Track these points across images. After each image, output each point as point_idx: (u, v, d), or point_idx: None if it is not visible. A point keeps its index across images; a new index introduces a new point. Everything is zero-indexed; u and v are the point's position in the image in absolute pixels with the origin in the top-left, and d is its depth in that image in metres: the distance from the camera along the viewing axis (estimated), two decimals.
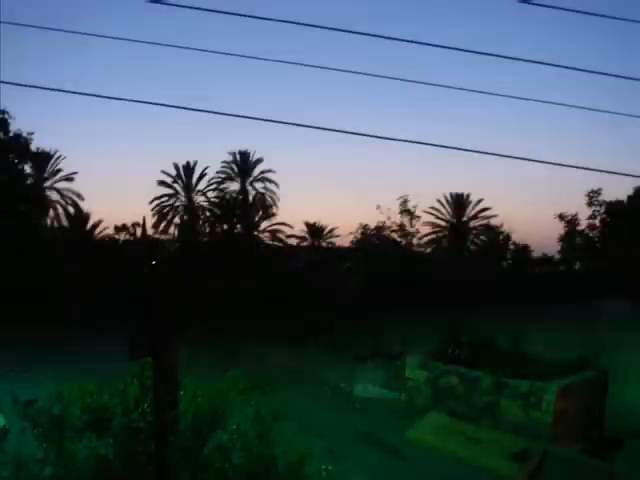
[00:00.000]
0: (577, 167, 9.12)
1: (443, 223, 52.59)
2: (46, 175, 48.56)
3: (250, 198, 51.44)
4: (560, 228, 36.64)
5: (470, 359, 16.82)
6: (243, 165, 55.66)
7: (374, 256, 34.18)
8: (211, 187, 53.12)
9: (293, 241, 48.62)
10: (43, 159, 39.56)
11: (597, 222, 36.45)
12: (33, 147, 27.45)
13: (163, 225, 51.97)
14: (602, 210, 36.05)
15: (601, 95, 40.96)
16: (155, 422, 7.10)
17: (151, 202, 52.73)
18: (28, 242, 25.10)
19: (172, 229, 50.55)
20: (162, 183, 53.65)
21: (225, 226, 37.22)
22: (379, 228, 35.38)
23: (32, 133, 26.70)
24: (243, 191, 53.22)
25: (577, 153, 60.99)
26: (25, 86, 7.60)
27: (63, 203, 49.65)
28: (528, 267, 37.86)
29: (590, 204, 35.90)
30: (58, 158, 47.52)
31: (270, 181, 54.96)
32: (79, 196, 49.16)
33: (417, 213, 36.52)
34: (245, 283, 29.72)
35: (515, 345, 17.02)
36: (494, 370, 15.85)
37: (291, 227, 48.90)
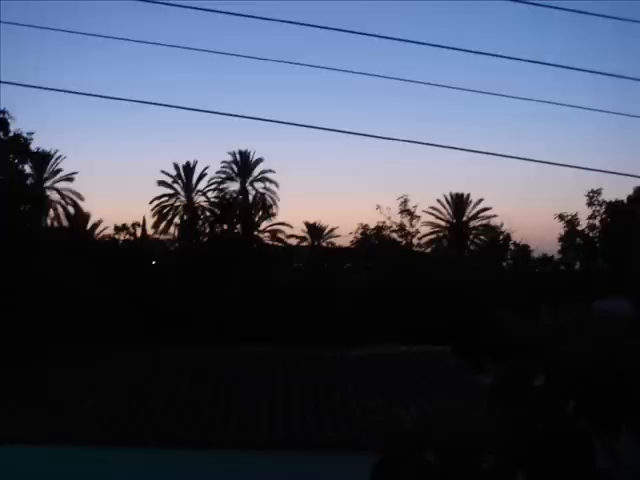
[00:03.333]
0: (577, 167, 9.17)
1: (443, 223, 52.66)
2: (46, 175, 48.62)
3: (250, 198, 51.49)
4: (560, 228, 36.53)
5: None
6: (243, 165, 55.71)
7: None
8: (211, 187, 53.20)
9: (293, 241, 48.75)
10: (43, 159, 39.55)
11: (597, 222, 36.34)
12: (33, 147, 27.37)
13: (163, 225, 52.09)
14: (602, 210, 35.94)
15: (601, 95, 41.00)
16: None
17: (151, 202, 52.88)
18: None
19: (172, 229, 50.70)
20: (162, 183, 53.77)
21: (225, 226, 37.21)
22: (379, 228, 35.35)
23: (32, 133, 26.66)
24: (243, 191, 53.24)
25: (577, 153, 61.25)
26: (25, 86, 7.62)
27: (63, 203, 49.82)
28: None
29: (590, 204, 35.79)
30: (58, 158, 47.64)
31: (270, 181, 55.08)
32: (79, 196, 49.33)
33: (417, 213, 36.47)
34: None
35: None
36: None
37: (291, 227, 49.03)
